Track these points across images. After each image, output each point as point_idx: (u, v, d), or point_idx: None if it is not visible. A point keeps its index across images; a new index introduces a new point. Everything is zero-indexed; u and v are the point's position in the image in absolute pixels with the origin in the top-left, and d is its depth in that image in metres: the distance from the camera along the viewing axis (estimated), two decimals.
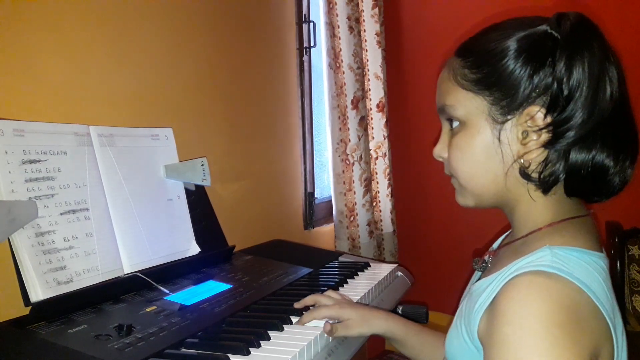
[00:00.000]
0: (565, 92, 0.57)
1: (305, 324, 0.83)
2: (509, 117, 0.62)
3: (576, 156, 0.59)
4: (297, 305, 0.89)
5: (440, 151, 0.71)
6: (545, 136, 0.60)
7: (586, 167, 0.59)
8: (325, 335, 0.80)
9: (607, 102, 0.58)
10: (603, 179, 0.60)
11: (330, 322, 0.83)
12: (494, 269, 0.67)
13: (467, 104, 0.65)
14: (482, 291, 0.61)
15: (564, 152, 0.59)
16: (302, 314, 0.85)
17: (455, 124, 0.67)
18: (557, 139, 0.58)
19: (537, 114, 0.60)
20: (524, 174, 0.62)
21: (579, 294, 0.54)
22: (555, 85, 0.58)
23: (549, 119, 0.59)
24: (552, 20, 0.61)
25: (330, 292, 0.93)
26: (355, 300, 0.96)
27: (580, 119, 0.57)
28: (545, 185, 0.62)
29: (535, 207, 0.65)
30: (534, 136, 0.60)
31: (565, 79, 0.57)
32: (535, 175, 0.62)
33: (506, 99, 0.61)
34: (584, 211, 0.65)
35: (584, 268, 0.57)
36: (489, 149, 0.64)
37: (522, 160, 0.62)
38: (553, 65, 0.58)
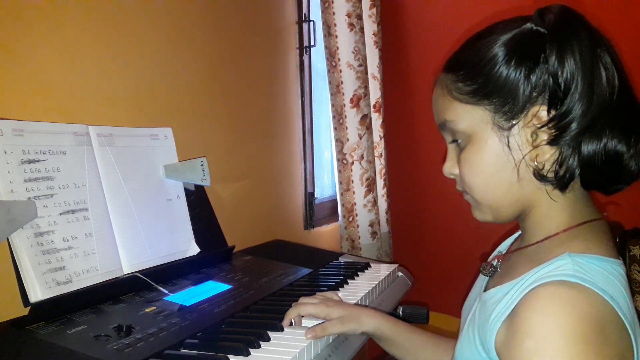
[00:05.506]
0: (562, 85, 0.56)
1: (303, 324, 0.83)
2: (514, 121, 0.60)
3: (587, 147, 0.58)
4: (283, 323, 0.82)
5: (450, 168, 0.69)
6: (551, 132, 0.58)
7: (599, 156, 0.58)
8: (325, 335, 0.79)
9: (604, 88, 0.57)
10: (619, 165, 0.59)
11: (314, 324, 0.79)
12: (507, 275, 0.65)
13: (469, 117, 0.63)
14: (498, 300, 0.60)
15: (575, 146, 0.58)
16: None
17: (460, 138, 0.66)
18: (562, 132, 0.57)
19: (541, 112, 0.59)
20: (539, 175, 0.60)
21: (603, 306, 0.52)
22: (551, 80, 0.57)
23: (552, 113, 0.58)
24: (535, 17, 0.60)
25: (306, 297, 0.88)
26: (355, 301, 0.96)
27: (580, 110, 0.56)
28: (561, 182, 0.60)
29: (552, 210, 0.63)
30: (544, 135, 0.59)
31: (559, 72, 0.56)
32: (551, 175, 0.60)
33: (507, 104, 0.60)
34: (597, 214, 0.64)
35: (606, 277, 0.55)
36: (500, 158, 0.62)
37: (535, 163, 0.60)
38: (547, 61, 0.58)
